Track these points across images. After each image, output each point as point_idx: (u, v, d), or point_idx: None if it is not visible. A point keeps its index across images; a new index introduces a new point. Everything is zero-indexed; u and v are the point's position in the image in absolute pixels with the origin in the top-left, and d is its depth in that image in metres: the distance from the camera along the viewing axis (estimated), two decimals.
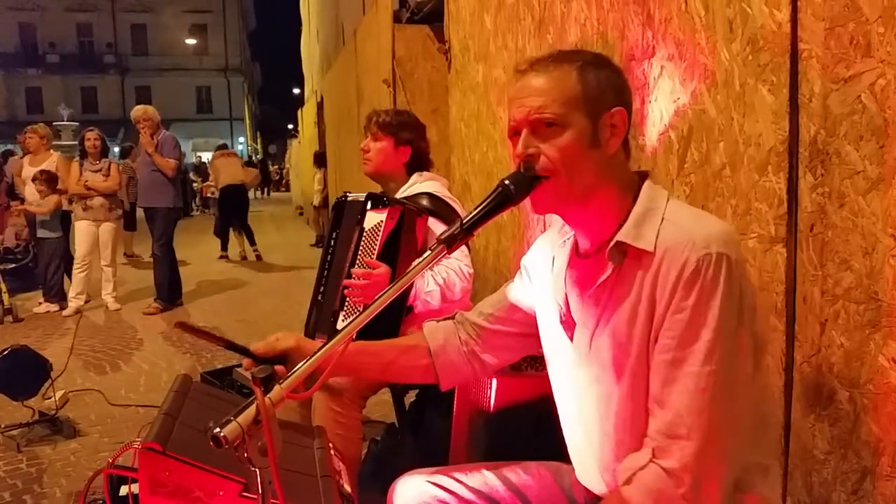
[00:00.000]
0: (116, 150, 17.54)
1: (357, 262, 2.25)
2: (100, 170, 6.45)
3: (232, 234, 10.30)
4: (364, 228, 2.25)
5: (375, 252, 2.21)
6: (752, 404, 1.12)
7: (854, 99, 1.38)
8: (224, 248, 10.19)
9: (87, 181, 6.37)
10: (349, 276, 2.23)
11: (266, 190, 29.17)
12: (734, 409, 1.07)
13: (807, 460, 1.55)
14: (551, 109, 1.13)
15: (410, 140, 2.57)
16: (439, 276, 2.30)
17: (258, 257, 9.98)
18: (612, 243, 1.15)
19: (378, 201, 2.26)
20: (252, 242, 10.11)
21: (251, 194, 12.23)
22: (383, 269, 2.18)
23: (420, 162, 2.62)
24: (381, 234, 2.21)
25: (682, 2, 1.90)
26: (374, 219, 2.23)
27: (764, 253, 1.64)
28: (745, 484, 1.15)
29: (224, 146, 11.80)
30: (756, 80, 1.64)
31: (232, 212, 10.01)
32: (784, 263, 1.59)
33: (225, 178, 9.84)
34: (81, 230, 6.46)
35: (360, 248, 2.25)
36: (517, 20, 3.26)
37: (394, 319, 2.21)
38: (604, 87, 1.17)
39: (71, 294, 6.50)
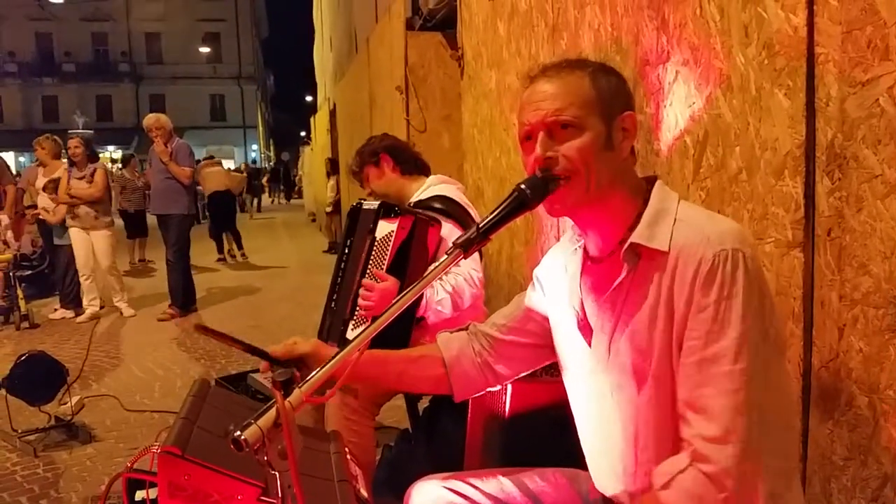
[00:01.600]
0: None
1: (367, 271, 2.24)
2: (83, 177, 6.31)
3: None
4: (375, 238, 2.24)
5: (386, 262, 2.20)
6: (776, 408, 1.11)
7: (872, 102, 1.37)
8: (220, 250, 10.80)
9: (70, 189, 6.27)
10: (359, 285, 2.22)
11: (288, 195, 29.27)
12: (769, 408, 1.05)
13: (825, 466, 1.54)
14: (569, 112, 1.15)
15: (376, 149, 2.62)
16: (448, 285, 2.29)
17: (243, 255, 10.75)
18: (626, 245, 1.15)
19: (390, 210, 2.25)
20: (240, 246, 10.81)
21: (273, 201, 12.87)
22: (390, 282, 2.17)
23: (401, 155, 2.66)
24: (391, 243, 2.20)
25: (697, 6, 1.90)
26: (386, 228, 2.23)
27: (781, 258, 1.63)
28: (776, 490, 1.13)
29: (211, 157, 12.59)
30: (772, 84, 1.63)
31: (222, 216, 10.65)
32: (801, 268, 1.57)
33: (211, 186, 10.47)
34: (74, 238, 6.41)
35: (371, 257, 2.24)
36: (530, 27, 3.26)
37: (403, 329, 2.19)
38: (615, 92, 1.20)
39: (85, 302, 6.54)
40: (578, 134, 1.15)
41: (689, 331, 1.08)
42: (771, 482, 1.06)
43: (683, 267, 1.09)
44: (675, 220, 1.15)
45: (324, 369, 0.98)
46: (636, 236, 1.15)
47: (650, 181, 1.23)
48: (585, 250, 1.28)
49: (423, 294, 2.22)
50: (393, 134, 3.08)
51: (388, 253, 2.20)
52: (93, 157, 6.52)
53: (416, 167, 2.65)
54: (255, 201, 24.09)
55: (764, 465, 1.04)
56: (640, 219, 1.17)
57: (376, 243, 2.24)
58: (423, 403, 2.60)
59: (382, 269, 2.21)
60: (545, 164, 1.15)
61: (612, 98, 1.18)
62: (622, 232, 1.18)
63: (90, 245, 6.43)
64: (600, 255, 1.24)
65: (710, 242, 1.07)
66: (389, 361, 1.48)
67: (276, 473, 0.87)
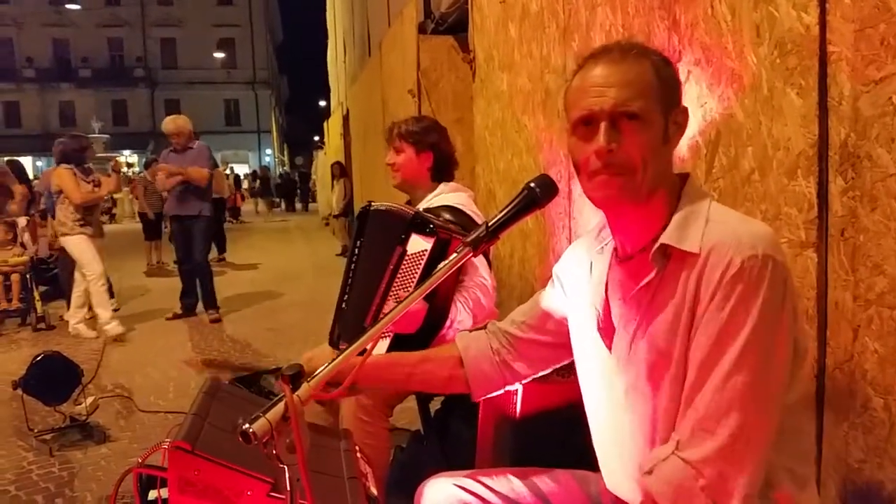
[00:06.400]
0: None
1: (395, 285, 2.20)
2: None
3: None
4: (406, 251, 2.18)
5: (415, 280, 2.16)
6: (787, 411, 1.10)
7: (885, 101, 1.36)
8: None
9: None
10: (384, 297, 2.18)
11: (290, 204, 28.76)
12: (765, 411, 1.05)
13: (840, 469, 1.52)
14: (637, 103, 1.11)
15: (433, 144, 2.58)
16: (470, 301, 2.28)
17: (222, 258, 11.30)
18: (656, 245, 1.14)
19: (425, 226, 2.17)
20: (222, 248, 11.42)
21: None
22: (420, 304, 2.13)
23: (444, 165, 2.61)
24: (423, 261, 2.14)
25: (709, 6, 1.89)
26: (419, 245, 2.17)
27: (794, 258, 1.62)
28: (771, 483, 1.12)
29: None
30: (784, 83, 1.62)
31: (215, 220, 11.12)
32: (815, 268, 1.56)
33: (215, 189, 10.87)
34: None
35: (400, 272, 2.18)
36: (542, 28, 3.26)
37: (423, 344, 2.17)
38: (673, 85, 1.17)
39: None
40: (643, 127, 1.11)
41: (704, 325, 1.07)
42: (766, 477, 1.07)
43: (712, 268, 1.07)
44: (706, 220, 1.12)
45: (332, 364, 0.98)
46: (666, 237, 1.13)
47: (683, 178, 1.21)
48: (614, 249, 1.26)
49: (447, 314, 2.22)
50: None
51: (419, 271, 2.16)
52: None
53: (443, 177, 2.63)
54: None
55: (755, 466, 1.05)
56: (672, 219, 1.15)
57: (406, 257, 2.18)
58: (435, 405, 2.59)
59: (411, 287, 2.16)
60: (607, 157, 1.12)
61: (671, 90, 1.16)
62: (656, 230, 1.16)
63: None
64: (630, 251, 1.21)
65: (741, 246, 1.06)
66: (406, 362, 1.48)
67: (285, 467, 0.87)
